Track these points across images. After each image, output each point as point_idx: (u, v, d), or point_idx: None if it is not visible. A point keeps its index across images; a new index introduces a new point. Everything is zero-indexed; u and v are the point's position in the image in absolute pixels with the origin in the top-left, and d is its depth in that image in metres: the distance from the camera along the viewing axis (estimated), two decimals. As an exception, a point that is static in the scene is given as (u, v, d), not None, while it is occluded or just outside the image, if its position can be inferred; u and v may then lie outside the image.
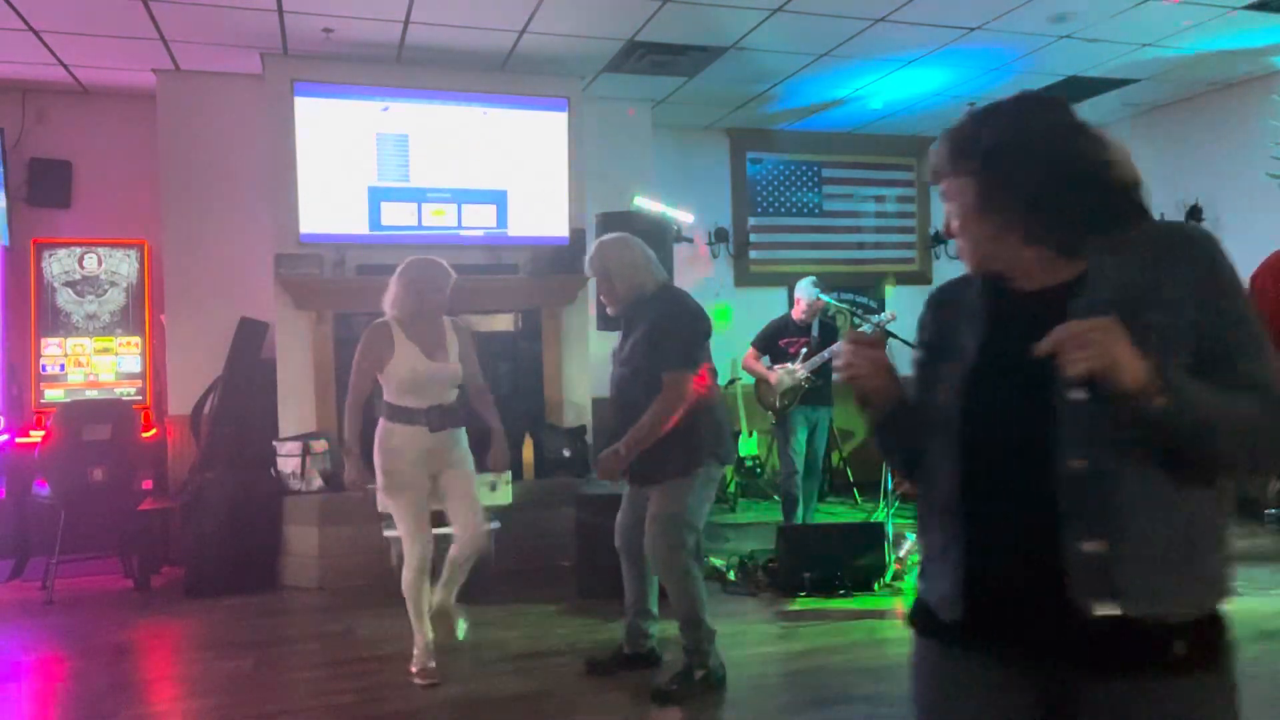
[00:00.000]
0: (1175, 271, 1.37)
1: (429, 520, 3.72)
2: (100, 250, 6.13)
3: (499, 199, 6.13)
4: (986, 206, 1.45)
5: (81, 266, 6.08)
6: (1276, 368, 1.31)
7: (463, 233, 6.04)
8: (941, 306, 1.63)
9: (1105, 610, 1.28)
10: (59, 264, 6.05)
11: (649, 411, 3.36)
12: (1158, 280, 1.36)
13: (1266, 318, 2.80)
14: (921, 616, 1.49)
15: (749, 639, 4.19)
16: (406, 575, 3.67)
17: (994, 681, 1.42)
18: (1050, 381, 1.29)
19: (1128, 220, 1.40)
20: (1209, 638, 1.33)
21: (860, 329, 5.51)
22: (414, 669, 3.72)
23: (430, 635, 3.76)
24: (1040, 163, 1.41)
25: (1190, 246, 1.39)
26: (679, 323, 3.46)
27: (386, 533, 5.02)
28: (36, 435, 5.48)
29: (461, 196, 6.05)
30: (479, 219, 6.10)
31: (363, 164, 5.86)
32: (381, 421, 3.69)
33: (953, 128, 1.53)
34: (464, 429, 3.80)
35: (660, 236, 5.30)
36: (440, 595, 3.74)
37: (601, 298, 3.72)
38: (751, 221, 8.00)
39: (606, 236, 3.72)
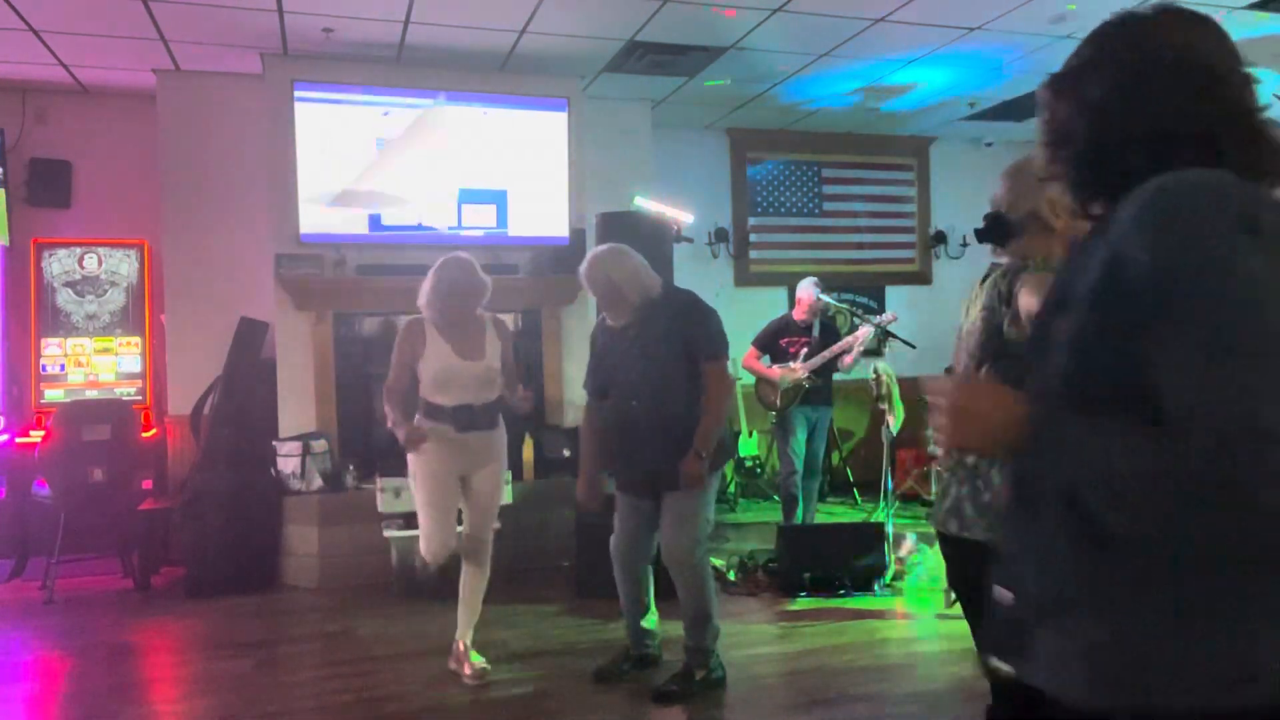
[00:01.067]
0: (1102, 251, 1.07)
1: (452, 518, 3.66)
2: (100, 250, 6.13)
3: (499, 199, 6.13)
4: (1040, 139, 1.20)
5: (81, 266, 6.08)
6: (1212, 396, 0.93)
7: (463, 233, 6.04)
8: None
9: (1000, 667, 1.11)
10: (59, 264, 6.05)
11: (710, 407, 3.41)
12: (1087, 265, 1.08)
13: None
14: None
15: (749, 639, 4.19)
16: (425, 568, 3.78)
17: None
18: None
19: (1139, 177, 1.06)
20: None
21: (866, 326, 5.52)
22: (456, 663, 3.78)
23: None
24: (1071, 92, 1.16)
25: (1123, 218, 1.05)
26: (707, 316, 3.51)
27: (387, 533, 5.03)
28: (36, 435, 5.48)
29: (462, 196, 6.05)
30: (479, 219, 6.10)
31: (363, 164, 5.86)
32: (416, 417, 3.67)
33: None
34: (500, 431, 3.76)
35: (660, 236, 5.31)
36: (458, 631, 3.75)
37: (605, 311, 3.60)
38: (751, 221, 8.00)
39: (597, 250, 3.63)
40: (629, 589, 3.70)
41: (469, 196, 6.05)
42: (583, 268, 3.58)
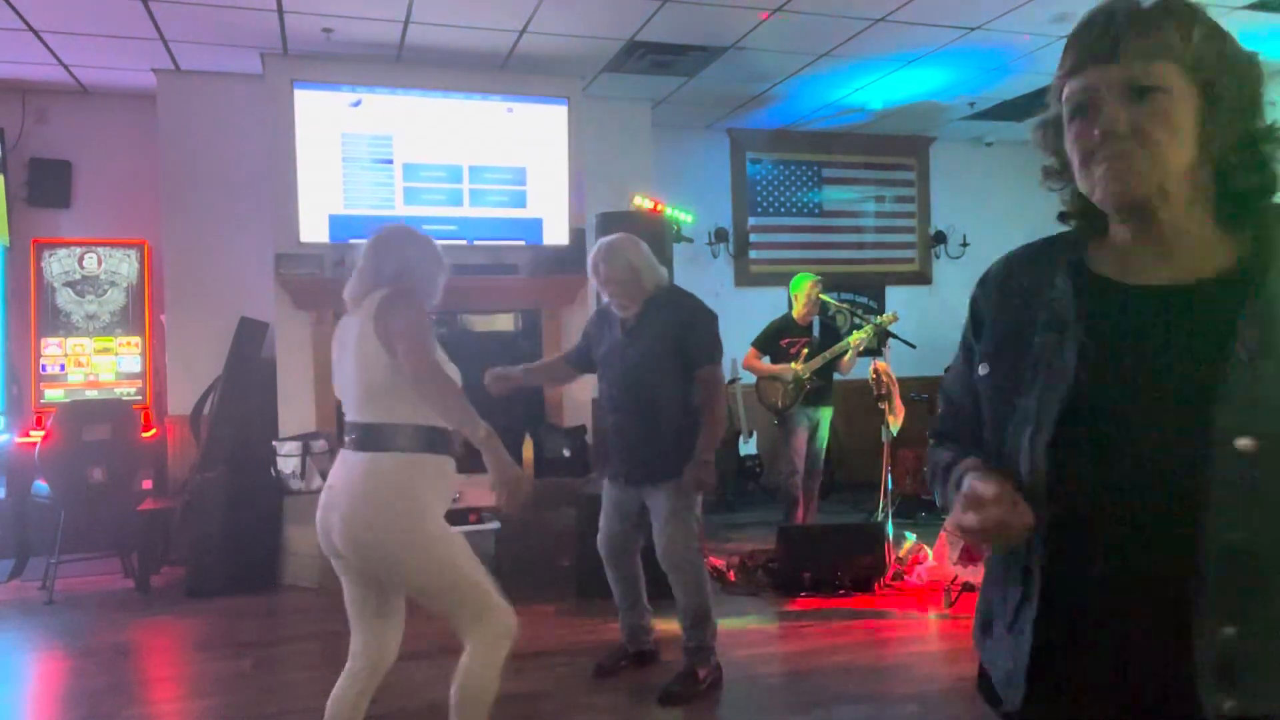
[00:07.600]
0: None
1: None
2: (100, 250, 6.13)
3: (509, 199, 6.11)
4: (1204, 116, 1.04)
5: (81, 266, 6.08)
6: None
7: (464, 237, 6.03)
8: (1008, 286, 1.20)
9: (1225, 704, 1.00)
10: (59, 264, 6.05)
11: (709, 411, 3.44)
12: None
13: None
14: (987, 692, 1.21)
15: (749, 639, 4.19)
16: (483, 666, 2.51)
17: None
18: (1201, 422, 0.98)
19: None
20: None
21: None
22: None
23: None
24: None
25: None
26: (708, 323, 3.52)
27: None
28: (36, 435, 5.48)
29: (472, 198, 6.04)
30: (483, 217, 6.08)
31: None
32: (424, 456, 2.49)
33: None
34: None
35: (660, 236, 5.30)
36: None
37: (615, 297, 3.49)
38: (751, 221, 8.00)
39: (611, 239, 3.55)
40: (621, 581, 3.72)
41: (476, 198, 6.05)
42: (598, 255, 3.49)
